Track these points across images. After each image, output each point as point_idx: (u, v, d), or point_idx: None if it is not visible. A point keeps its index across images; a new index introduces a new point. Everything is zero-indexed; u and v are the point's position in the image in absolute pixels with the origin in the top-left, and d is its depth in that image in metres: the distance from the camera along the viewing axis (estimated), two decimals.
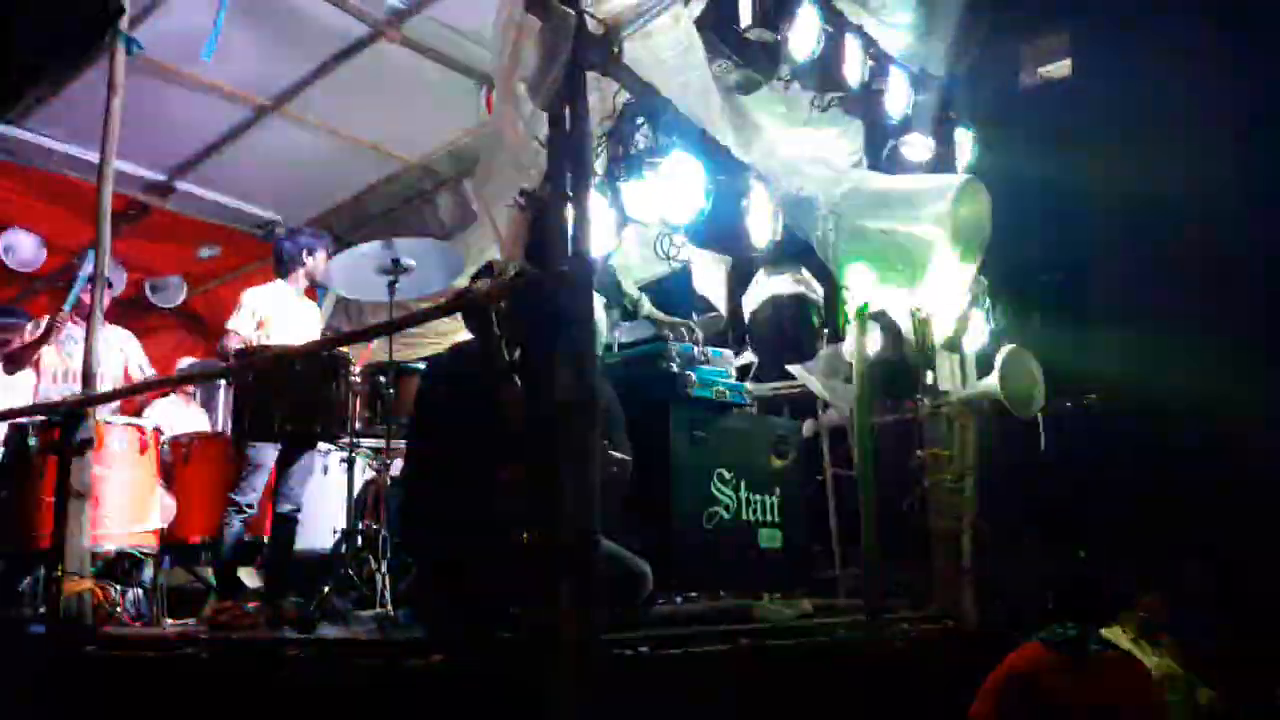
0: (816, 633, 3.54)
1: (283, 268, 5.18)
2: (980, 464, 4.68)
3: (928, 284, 3.79)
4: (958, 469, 4.62)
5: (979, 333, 4.77)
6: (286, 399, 4.28)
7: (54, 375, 5.52)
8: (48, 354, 5.48)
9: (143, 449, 4.71)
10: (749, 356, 4.45)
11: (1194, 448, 7.24)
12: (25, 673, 3.98)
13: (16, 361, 5.47)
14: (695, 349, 4.13)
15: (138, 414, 5.72)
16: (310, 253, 5.16)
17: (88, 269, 5.30)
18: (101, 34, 4.54)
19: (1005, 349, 4.60)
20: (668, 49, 3.26)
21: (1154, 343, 7.57)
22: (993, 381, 4.54)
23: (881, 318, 4.20)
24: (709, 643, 3.06)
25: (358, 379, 4.38)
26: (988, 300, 4.82)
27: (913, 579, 4.36)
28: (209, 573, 5.21)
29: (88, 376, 4.19)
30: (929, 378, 4.70)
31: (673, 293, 5.42)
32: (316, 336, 5.25)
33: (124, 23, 4.53)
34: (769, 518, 4.14)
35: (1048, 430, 5.96)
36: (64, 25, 4.84)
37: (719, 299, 4.41)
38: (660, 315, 5.12)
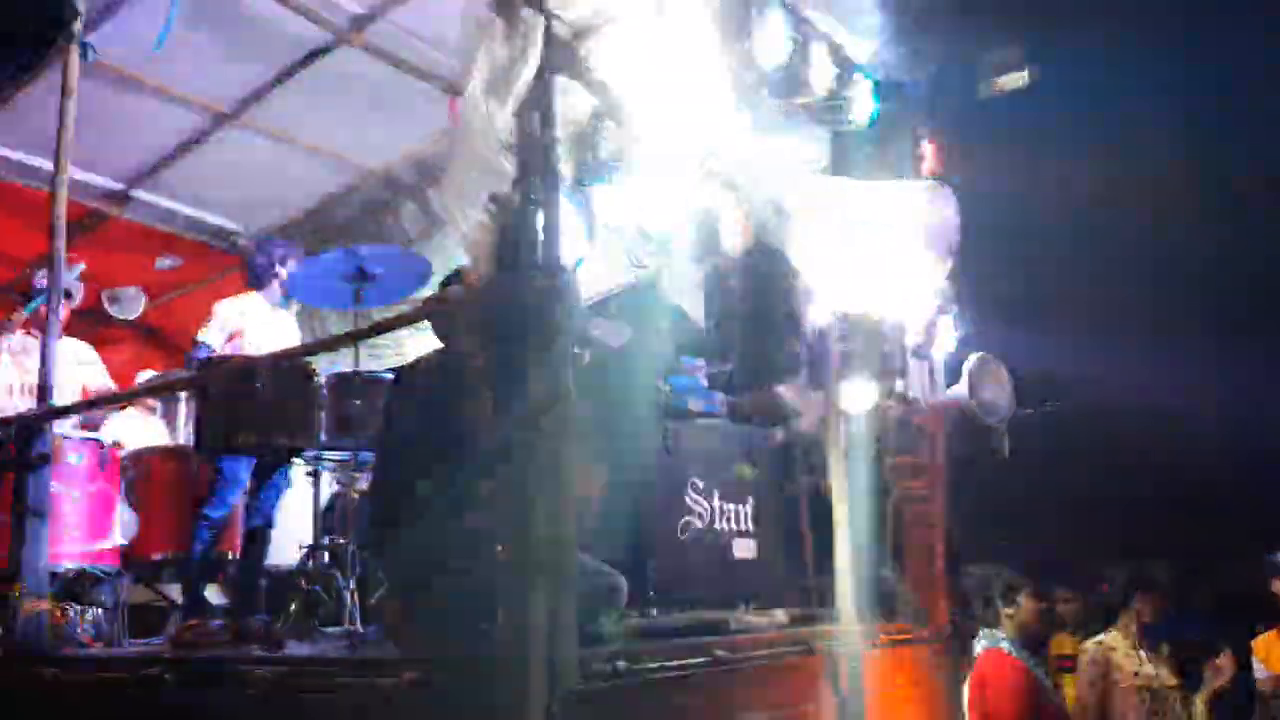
0: (793, 644, 3.51)
1: (256, 280, 5.10)
2: (950, 472, 4.70)
3: (897, 290, 3.79)
4: (929, 477, 4.63)
5: (947, 340, 4.78)
6: (249, 411, 4.19)
7: (9, 389, 5.38)
8: (2, 368, 5.34)
9: (102, 464, 4.59)
10: (721, 365, 4.43)
11: (1149, 449, 7.37)
12: None
13: None
14: (667, 359, 4.10)
15: (95, 429, 5.60)
16: (283, 263, 5.09)
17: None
18: (55, 39, 4.44)
19: (974, 356, 4.62)
20: (636, 54, 3.23)
21: (1111, 346, 7.70)
22: (962, 389, 4.57)
23: (858, 325, 4.21)
24: (685, 656, 3.02)
25: (323, 390, 4.30)
26: (954, 307, 4.83)
27: (887, 587, 4.36)
28: (173, 590, 5.10)
29: (44, 389, 4.08)
30: (899, 385, 4.70)
31: (640, 302, 5.39)
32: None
33: (78, 27, 4.43)
34: (743, 527, 4.12)
35: (1010, 435, 6.01)
36: (16, 29, 4.73)
37: (691, 306, 4.38)
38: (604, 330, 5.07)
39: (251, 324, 4.93)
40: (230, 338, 4.86)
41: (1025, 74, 8.17)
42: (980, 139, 6.24)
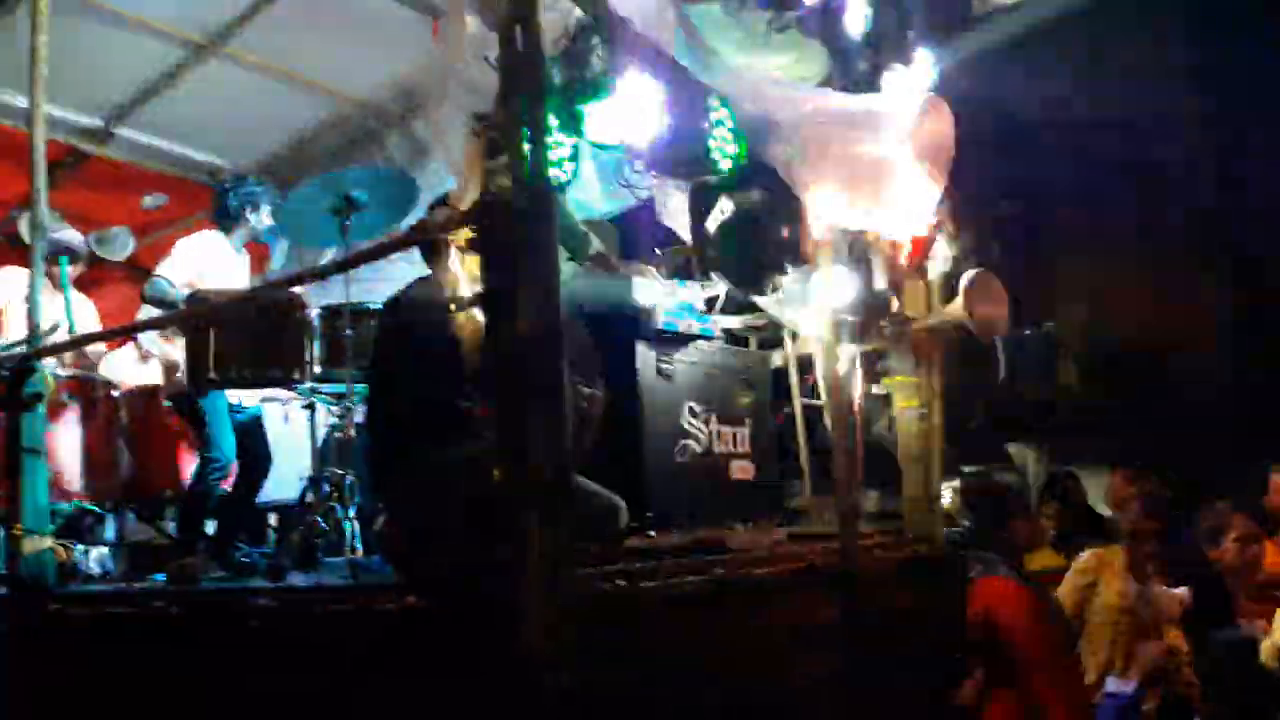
0: (790, 560, 3.53)
1: (224, 221, 5.03)
2: (946, 391, 4.70)
3: (894, 207, 3.74)
4: (925, 396, 4.62)
5: (942, 258, 4.74)
6: (240, 345, 4.16)
7: None
8: None
9: (97, 403, 4.59)
10: (715, 288, 4.39)
11: (1144, 372, 7.38)
12: None
13: None
14: (660, 282, 4.07)
15: (92, 369, 5.58)
16: (254, 208, 5.01)
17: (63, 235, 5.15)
18: None
19: (971, 272, 4.57)
20: None
21: (1109, 271, 7.67)
22: (958, 306, 4.53)
23: (854, 245, 4.17)
24: (684, 573, 3.04)
25: (315, 323, 4.26)
26: (950, 225, 4.78)
27: (883, 507, 4.39)
28: (170, 527, 5.12)
29: (32, 329, 4.04)
30: (894, 304, 4.67)
31: (637, 226, 5.33)
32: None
33: None
34: (740, 449, 4.12)
35: (1006, 354, 6.02)
36: None
37: (683, 228, 4.33)
38: (606, 253, 5.04)
39: (212, 265, 4.87)
40: (192, 279, 4.79)
41: None
42: (974, 52, 6.12)
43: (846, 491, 3.69)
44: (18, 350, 4.16)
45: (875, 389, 4.51)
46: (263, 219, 5.04)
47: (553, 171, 2.76)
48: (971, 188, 4.85)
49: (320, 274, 3.76)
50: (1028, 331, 7.55)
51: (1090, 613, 4.96)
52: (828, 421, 4.04)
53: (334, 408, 4.59)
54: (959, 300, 4.53)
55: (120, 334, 5.75)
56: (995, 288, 4.69)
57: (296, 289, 4.26)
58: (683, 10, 3.73)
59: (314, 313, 4.25)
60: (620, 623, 2.69)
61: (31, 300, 4.06)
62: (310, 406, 4.34)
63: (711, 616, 3.06)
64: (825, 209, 3.72)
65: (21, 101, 5.31)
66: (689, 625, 2.97)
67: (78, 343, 4.91)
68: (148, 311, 4.93)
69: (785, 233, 3.61)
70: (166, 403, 4.89)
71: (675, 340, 4.01)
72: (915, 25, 4.86)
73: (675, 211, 4.37)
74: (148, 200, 7.11)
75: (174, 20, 5.41)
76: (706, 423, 4.00)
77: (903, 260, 4.47)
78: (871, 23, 4.37)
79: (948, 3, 5.62)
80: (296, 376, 4.18)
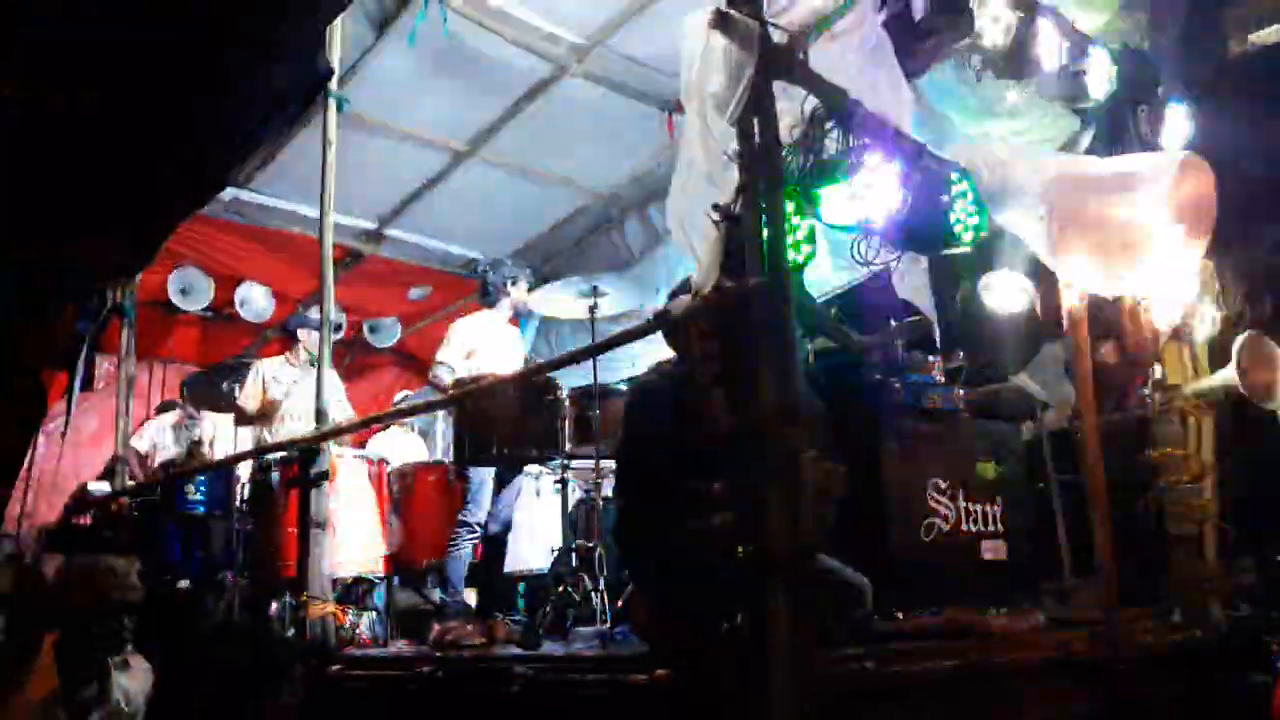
0: (1052, 646, 3.34)
1: (488, 298, 5.45)
2: (1220, 462, 4.34)
3: (1150, 271, 3.54)
4: (1195, 468, 4.29)
5: (1209, 321, 4.43)
6: (502, 423, 4.47)
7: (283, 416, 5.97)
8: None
9: (371, 479, 5.00)
10: (958, 360, 4.28)
11: None
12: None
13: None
14: (899, 354, 4.02)
15: (362, 446, 6.10)
16: (514, 282, 5.43)
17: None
18: (313, 96, 4.88)
19: (1243, 335, 4.25)
20: (853, 50, 3.21)
21: None
22: (1230, 372, 4.20)
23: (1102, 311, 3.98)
24: (935, 658, 2.95)
25: (566, 402, 4.52)
26: (1217, 285, 4.47)
27: (1152, 588, 4.06)
28: (435, 594, 5.46)
29: (320, 413, 4.48)
30: (1156, 372, 4.39)
31: (868, 300, 5.30)
32: (520, 360, 5.47)
33: (333, 83, 4.85)
34: (991, 528, 3.96)
35: None
36: (280, 88, 5.23)
37: (923, 302, 4.27)
38: (843, 327, 5.03)
39: (484, 341, 5.26)
40: (467, 355, 5.18)
41: None
42: (1233, 101, 5.72)
43: (1108, 574, 3.47)
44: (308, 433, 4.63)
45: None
46: (522, 294, 5.43)
47: (790, 254, 2.82)
48: (1241, 245, 4.52)
49: (573, 359, 4.01)
50: None
51: None
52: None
53: (583, 482, 4.82)
54: (1230, 365, 4.21)
55: (394, 416, 6.24)
56: (1269, 350, 4.33)
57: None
58: (915, 83, 3.75)
59: (564, 393, 4.52)
60: (869, 707, 2.64)
61: (319, 386, 4.51)
62: (563, 481, 4.56)
63: (963, 703, 2.94)
64: (1077, 276, 3.58)
65: (308, 210, 6.01)
66: (940, 712, 2.88)
67: (359, 425, 5.39)
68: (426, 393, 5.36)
69: (1034, 307, 3.48)
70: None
71: (917, 413, 3.93)
72: (1166, 79, 4.64)
73: (913, 284, 4.32)
74: (414, 292, 7.77)
75: (438, 130, 5.95)
76: (954, 499, 3.88)
77: (1164, 325, 4.21)
78: (1116, 81, 4.20)
79: (1202, 52, 5.33)
80: (549, 452, 4.44)
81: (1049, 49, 4.00)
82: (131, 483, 5.86)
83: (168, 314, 7.33)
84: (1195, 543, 4.14)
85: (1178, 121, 4.46)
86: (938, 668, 2.90)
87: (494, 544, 4.98)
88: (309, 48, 4.63)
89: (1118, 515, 3.71)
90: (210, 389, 6.62)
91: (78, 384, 5.48)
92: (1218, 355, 4.41)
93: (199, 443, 6.90)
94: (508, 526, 5.02)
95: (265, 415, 5.88)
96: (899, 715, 2.78)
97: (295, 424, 5.73)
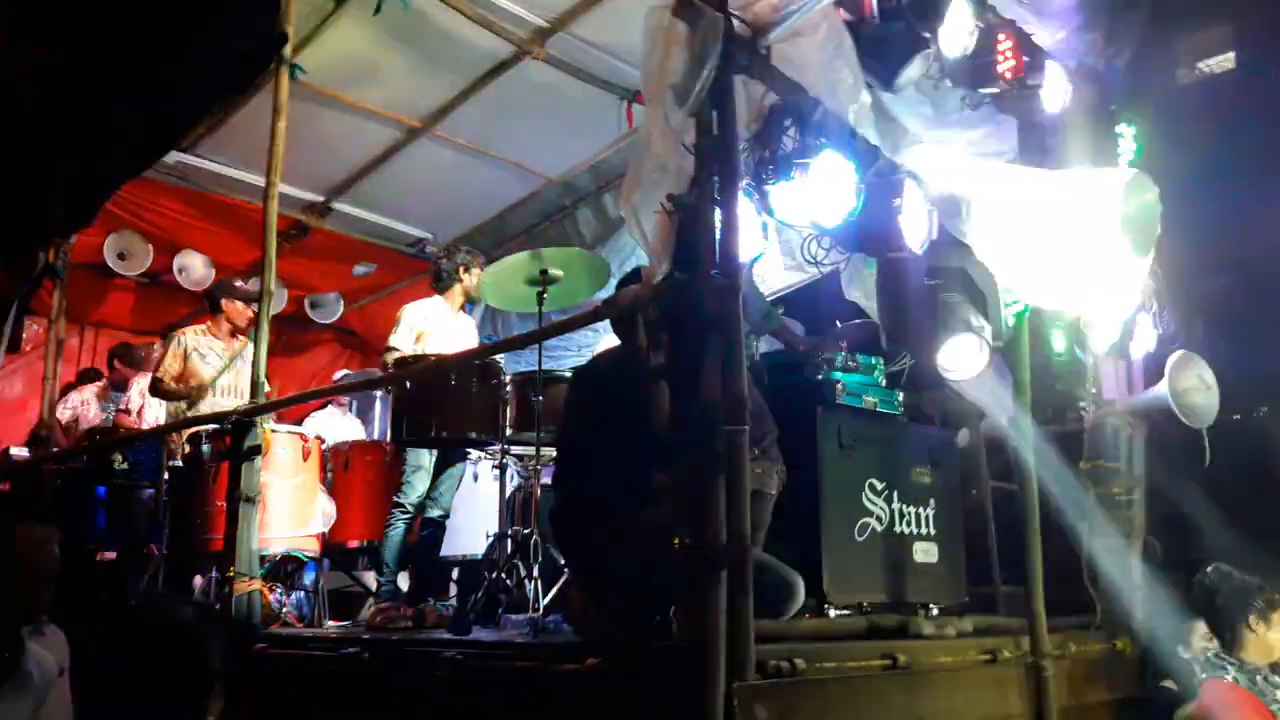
0: (978, 651, 3.39)
1: (440, 284, 5.36)
2: (1149, 477, 4.44)
3: (1092, 285, 3.60)
4: (1125, 482, 4.38)
5: (1146, 338, 4.52)
6: (442, 406, 4.41)
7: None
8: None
9: (305, 456, 4.91)
10: (902, 363, 4.31)
11: None
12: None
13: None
14: (844, 356, 4.04)
15: (298, 424, 5.99)
16: (467, 270, 5.34)
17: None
18: (267, 62, 4.77)
19: (1176, 355, 4.34)
20: (816, 49, 3.21)
21: None
22: (1164, 390, 4.29)
23: (1053, 323, 4.04)
24: (863, 657, 2.97)
25: (508, 387, 4.47)
26: (1154, 304, 4.56)
27: (1079, 598, 4.14)
28: (367, 577, 5.39)
29: (254, 386, 4.39)
30: (1091, 386, 4.48)
31: (814, 301, 5.33)
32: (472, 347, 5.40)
33: (287, 49, 4.74)
34: (924, 530, 4.00)
35: (1213, 442, 5.58)
36: (231, 52, 5.11)
37: (870, 304, 4.29)
38: (789, 326, 5.05)
39: (435, 326, 5.18)
40: (417, 339, 5.11)
41: (1232, 55, 7.61)
42: (1180, 125, 5.85)
43: (1035, 581, 3.52)
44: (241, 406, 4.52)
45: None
46: (474, 281, 5.36)
47: (741, 250, 2.81)
48: (1179, 263, 4.61)
49: (520, 343, 3.97)
50: (1236, 417, 7.00)
51: None
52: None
53: (522, 468, 4.78)
54: (1163, 382, 4.30)
55: (330, 393, 6.13)
56: (1202, 370, 4.43)
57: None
58: (875, 89, 3.76)
59: (507, 377, 4.47)
60: (797, 704, 2.65)
61: (256, 359, 4.41)
62: (501, 467, 4.52)
63: (889, 703, 2.97)
64: (1020, 287, 3.62)
65: (254, 178, 5.88)
66: (866, 711, 2.90)
67: (294, 400, 5.30)
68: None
69: (972, 314, 3.52)
70: None
71: (857, 415, 3.96)
72: (1117, 100, 4.72)
73: (862, 287, 4.35)
74: (358, 269, 7.65)
75: (393, 106, 5.86)
76: (889, 501, 3.91)
77: (1103, 340, 4.28)
78: (1070, 99, 4.26)
79: (1154, 75, 5.43)
80: (489, 437, 4.39)
81: (1006, 61, 4.05)
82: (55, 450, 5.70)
83: (103, 278, 7.14)
84: (1123, 555, 4.22)
85: (1127, 141, 4.55)
86: (866, 667, 2.93)
87: (433, 528, 4.92)
88: (265, 13, 4.54)
89: (1049, 525, 3.77)
90: (140, 357, 6.47)
91: (3, 346, 5.30)
92: (1152, 372, 4.50)
93: (126, 412, 6.73)
94: (448, 513, 4.97)
95: (183, 386, 5.69)
96: (826, 713, 2.79)
97: (220, 399, 5.59)
